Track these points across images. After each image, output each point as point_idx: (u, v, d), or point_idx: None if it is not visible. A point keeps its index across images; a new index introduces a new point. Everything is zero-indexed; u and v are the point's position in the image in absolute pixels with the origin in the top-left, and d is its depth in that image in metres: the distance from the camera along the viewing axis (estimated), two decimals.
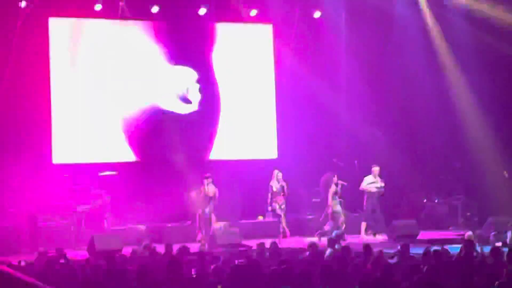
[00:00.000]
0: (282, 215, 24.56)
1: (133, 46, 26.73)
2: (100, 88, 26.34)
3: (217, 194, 23.84)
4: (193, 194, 23.88)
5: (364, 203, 24.90)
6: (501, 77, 26.25)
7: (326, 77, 28.24)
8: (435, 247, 17.39)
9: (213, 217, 23.78)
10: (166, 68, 27.15)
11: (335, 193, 24.47)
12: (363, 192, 24.88)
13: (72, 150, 25.95)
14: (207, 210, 23.64)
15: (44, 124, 25.19)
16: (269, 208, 24.87)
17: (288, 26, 28.14)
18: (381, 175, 24.82)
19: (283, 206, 24.51)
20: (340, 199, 24.53)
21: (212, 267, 14.42)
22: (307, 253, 16.75)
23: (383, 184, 24.68)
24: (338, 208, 24.43)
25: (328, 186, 24.74)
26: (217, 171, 25.10)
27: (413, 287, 11.24)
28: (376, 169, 24.83)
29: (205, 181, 23.76)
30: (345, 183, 24.44)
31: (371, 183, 24.75)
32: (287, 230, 24.65)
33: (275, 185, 24.55)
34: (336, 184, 24.38)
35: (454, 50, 27.40)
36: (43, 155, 25.01)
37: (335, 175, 24.63)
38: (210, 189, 23.72)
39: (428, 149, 26.94)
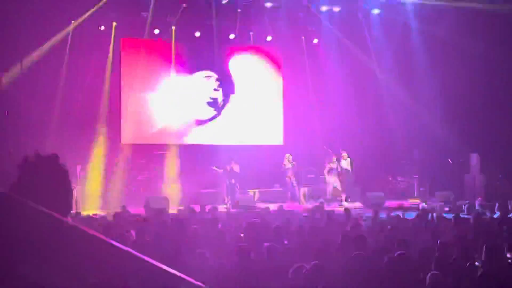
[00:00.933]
0: (296, 187, 24.67)
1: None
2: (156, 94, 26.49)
3: (239, 170, 23.91)
4: (222, 170, 23.94)
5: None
6: (453, 79, 25.96)
7: (323, 83, 28.25)
8: (397, 213, 17.56)
9: (237, 187, 23.85)
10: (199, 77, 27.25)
11: (329, 170, 24.64)
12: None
13: (135, 134, 26.10)
14: (232, 181, 23.75)
15: (116, 115, 25.42)
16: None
17: (295, 47, 28.11)
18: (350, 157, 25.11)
19: (293, 180, 24.58)
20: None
21: (233, 223, 14.69)
22: (305, 214, 16.96)
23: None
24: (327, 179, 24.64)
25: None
26: (238, 154, 25.20)
27: (381, 241, 11.37)
28: (344, 154, 25.08)
29: (232, 161, 23.90)
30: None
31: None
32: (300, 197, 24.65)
33: (287, 164, 24.58)
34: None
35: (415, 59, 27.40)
36: (115, 137, 25.18)
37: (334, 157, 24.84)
38: (235, 167, 23.84)
39: (394, 140, 26.83)
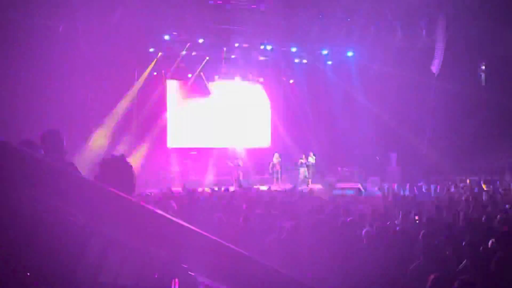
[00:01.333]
0: (279, 175, 24.51)
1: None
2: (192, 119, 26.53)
3: (242, 163, 23.87)
4: (231, 163, 23.93)
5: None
6: (378, 102, 25.99)
7: (294, 109, 28.33)
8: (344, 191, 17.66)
9: (241, 174, 23.82)
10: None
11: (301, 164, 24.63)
12: None
13: (178, 140, 26.13)
14: (239, 172, 23.76)
15: (163, 129, 25.46)
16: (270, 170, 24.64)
17: (277, 86, 28.17)
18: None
19: (279, 171, 24.50)
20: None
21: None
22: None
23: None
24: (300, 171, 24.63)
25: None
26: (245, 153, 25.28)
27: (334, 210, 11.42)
28: (311, 153, 25.00)
29: (239, 158, 23.91)
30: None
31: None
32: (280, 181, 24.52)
33: (275, 160, 24.48)
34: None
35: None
36: (162, 142, 25.21)
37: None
38: (240, 162, 23.83)
39: (343, 143, 26.78)
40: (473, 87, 24.71)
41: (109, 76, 21.56)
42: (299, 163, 24.73)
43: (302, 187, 21.64)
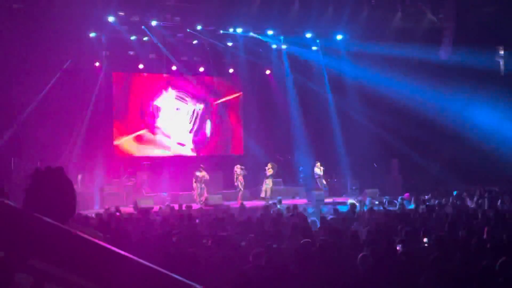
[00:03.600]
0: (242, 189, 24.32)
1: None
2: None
3: (207, 177, 23.69)
4: (195, 175, 23.74)
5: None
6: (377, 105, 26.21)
7: (276, 104, 28.45)
8: (334, 207, 17.71)
9: (205, 189, 23.56)
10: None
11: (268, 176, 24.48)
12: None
13: (127, 148, 25.93)
14: (203, 185, 23.55)
15: (110, 134, 25.25)
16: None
17: (251, 78, 28.23)
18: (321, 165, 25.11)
19: (242, 183, 24.27)
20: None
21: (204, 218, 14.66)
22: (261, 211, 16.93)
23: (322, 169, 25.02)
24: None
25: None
26: (208, 162, 25.22)
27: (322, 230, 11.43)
28: (318, 163, 25.12)
29: (201, 168, 23.74)
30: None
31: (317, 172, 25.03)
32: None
33: (238, 171, 24.25)
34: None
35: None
36: (108, 152, 24.99)
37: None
38: (204, 173, 23.65)
39: (332, 150, 26.92)
40: (490, 76, 25.05)
41: (35, 68, 21.29)
42: (267, 174, 24.56)
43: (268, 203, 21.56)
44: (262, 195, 24.05)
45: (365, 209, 17.54)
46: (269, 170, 24.23)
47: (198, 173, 23.29)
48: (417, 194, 20.22)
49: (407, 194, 21.65)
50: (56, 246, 1.81)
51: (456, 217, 13.13)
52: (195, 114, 27.49)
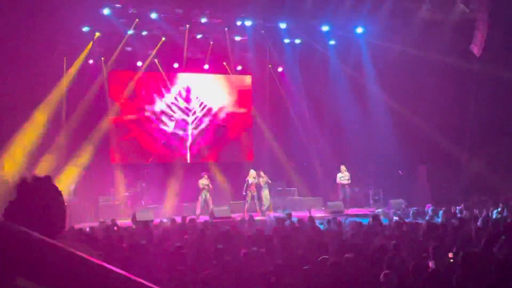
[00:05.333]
0: (255, 200, 24.10)
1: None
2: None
3: (211, 185, 23.72)
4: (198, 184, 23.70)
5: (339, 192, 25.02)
6: (401, 99, 26.13)
7: (285, 106, 28.44)
8: (354, 219, 17.64)
9: (211, 199, 23.53)
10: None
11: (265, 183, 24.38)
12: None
13: (125, 153, 26.00)
14: (208, 195, 23.55)
15: (106, 138, 25.30)
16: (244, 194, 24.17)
17: (261, 76, 28.21)
18: (347, 170, 24.97)
19: (255, 193, 24.17)
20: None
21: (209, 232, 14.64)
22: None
23: (348, 175, 24.87)
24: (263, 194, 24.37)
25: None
26: (215, 169, 25.26)
27: (338, 246, 11.37)
28: (342, 167, 25.01)
29: (205, 176, 23.72)
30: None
31: (341, 177, 24.94)
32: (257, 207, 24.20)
33: (251, 179, 24.18)
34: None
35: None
36: (105, 158, 25.02)
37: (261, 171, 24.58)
38: (209, 182, 23.64)
39: (351, 155, 26.84)
40: None
41: (24, 66, 21.35)
42: (265, 182, 24.53)
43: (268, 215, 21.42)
44: (263, 207, 24.00)
45: (387, 221, 17.51)
46: (265, 178, 24.32)
47: (201, 182, 23.29)
48: (448, 205, 20.11)
49: (429, 205, 21.56)
50: (45, 264, 1.80)
51: (494, 231, 13.00)
52: (199, 116, 27.48)
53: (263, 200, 24.09)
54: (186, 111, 27.26)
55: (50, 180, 2.97)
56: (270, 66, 28.53)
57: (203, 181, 23.36)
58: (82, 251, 1.90)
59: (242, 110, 28.46)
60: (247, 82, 28.63)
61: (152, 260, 9.91)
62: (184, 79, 27.33)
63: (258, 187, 24.13)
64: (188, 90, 27.34)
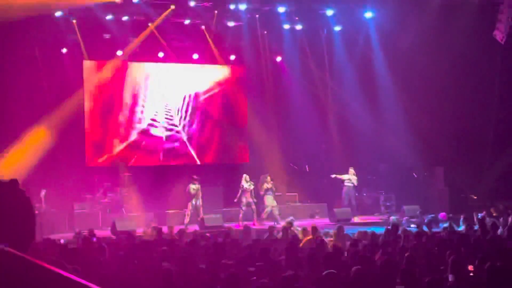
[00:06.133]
0: (254, 206, 24.21)
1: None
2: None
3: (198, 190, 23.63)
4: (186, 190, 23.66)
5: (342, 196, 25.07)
6: (416, 92, 26.12)
7: (284, 101, 28.40)
8: (363, 228, 17.63)
9: (201, 207, 23.45)
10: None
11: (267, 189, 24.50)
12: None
13: (103, 154, 25.96)
14: (198, 202, 23.53)
15: (80, 139, 25.23)
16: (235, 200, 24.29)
17: (257, 66, 28.16)
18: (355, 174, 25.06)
19: (252, 199, 24.14)
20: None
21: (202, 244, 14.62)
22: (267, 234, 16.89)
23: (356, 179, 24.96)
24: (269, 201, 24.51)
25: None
26: (207, 173, 25.27)
27: (351, 259, 11.37)
28: (351, 170, 25.07)
29: (194, 181, 23.68)
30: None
31: (347, 179, 24.97)
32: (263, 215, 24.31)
33: (245, 184, 24.15)
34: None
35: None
36: (79, 159, 24.95)
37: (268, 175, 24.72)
38: (199, 187, 23.62)
39: (359, 154, 26.85)
40: None
41: None
42: (263, 188, 24.62)
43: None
44: (265, 215, 24.05)
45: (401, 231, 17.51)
46: (269, 184, 24.33)
47: (192, 187, 23.28)
48: (468, 212, 20.13)
49: (443, 214, 21.58)
50: (15, 281, 1.87)
51: None
52: (188, 112, 27.44)
53: (266, 207, 24.25)
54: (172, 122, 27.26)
55: (15, 184, 2.94)
56: (267, 55, 28.40)
57: (195, 186, 23.36)
58: (55, 266, 1.88)
59: (236, 106, 28.40)
60: (241, 73, 28.57)
61: (134, 276, 9.88)
62: (169, 70, 27.27)
63: (256, 193, 24.22)
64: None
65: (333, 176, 25.00)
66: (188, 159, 27.19)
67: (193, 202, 23.21)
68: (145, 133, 26.61)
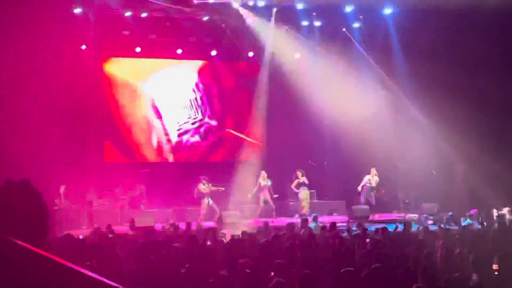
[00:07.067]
0: (272, 204, 24.28)
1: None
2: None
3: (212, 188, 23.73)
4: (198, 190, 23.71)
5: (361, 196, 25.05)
6: (436, 86, 25.97)
7: (307, 95, 28.19)
8: (382, 226, 17.59)
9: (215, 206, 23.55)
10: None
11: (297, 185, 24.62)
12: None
13: (122, 151, 26.03)
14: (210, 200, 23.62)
15: (99, 134, 25.32)
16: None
17: (276, 62, 28.03)
18: (377, 174, 24.98)
19: (269, 197, 24.27)
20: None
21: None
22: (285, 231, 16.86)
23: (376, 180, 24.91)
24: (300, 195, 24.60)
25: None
26: (223, 170, 25.31)
27: (365, 256, 11.35)
28: (373, 170, 25.03)
29: (203, 181, 23.74)
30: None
31: (368, 180, 24.93)
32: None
33: (262, 182, 24.30)
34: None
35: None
36: (97, 156, 25.04)
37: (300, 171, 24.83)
38: (208, 187, 23.68)
39: (379, 154, 26.72)
40: None
41: (5, 53, 21.38)
42: (295, 185, 24.57)
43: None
44: (304, 210, 24.03)
45: (415, 228, 17.48)
46: (303, 178, 24.28)
47: (202, 187, 23.29)
48: (488, 209, 19.99)
49: (475, 210, 21.42)
50: (28, 275, 1.86)
51: None
52: (204, 108, 27.44)
53: (301, 202, 24.51)
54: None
55: (26, 184, 2.95)
56: (297, 55, 28.25)
57: (203, 187, 23.43)
58: (70, 261, 1.88)
59: (252, 103, 28.36)
60: (259, 69, 28.47)
61: (151, 271, 9.89)
62: (188, 66, 27.28)
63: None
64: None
65: (360, 188, 24.91)
66: (204, 155, 27.29)
67: (206, 200, 23.23)
68: (163, 130, 26.71)
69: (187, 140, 27.22)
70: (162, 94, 27.02)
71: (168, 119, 26.94)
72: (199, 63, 27.71)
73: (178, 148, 27.09)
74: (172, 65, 27.32)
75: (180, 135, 27.08)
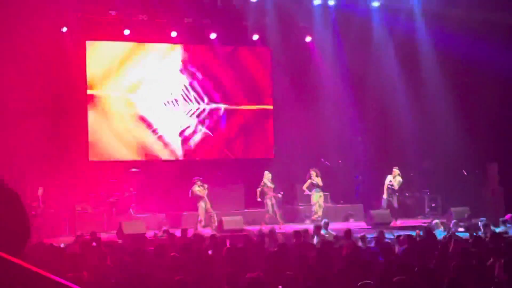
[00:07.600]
0: (276, 208, 24.18)
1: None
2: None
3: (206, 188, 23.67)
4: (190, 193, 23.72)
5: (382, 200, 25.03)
6: (467, 78, 25.97)
7: (317, 86, 28.28)
8: (404, 233, 17.58)
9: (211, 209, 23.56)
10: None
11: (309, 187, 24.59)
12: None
13: (104, 149, 26.03)
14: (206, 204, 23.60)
15: (82, 129, 25.30)
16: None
17: (284, 48, 28.05)
18: (400, 174, 24.86)
19: (274, 201, 24.17)
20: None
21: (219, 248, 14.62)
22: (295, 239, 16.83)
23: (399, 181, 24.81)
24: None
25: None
26: (224, 169, 25.31)
27: (387, 267, 11.35)
28: (395, 170, 24.95)
29: (199, 182, 23.72)
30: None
31: (390, 182, 24.86)
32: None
33: (267, 183, 24.20)
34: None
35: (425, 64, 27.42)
36: (80, 154, 25.03)
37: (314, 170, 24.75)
38: (204, 189, 23.70)
39: (400, 149, 26.76)
40: None
41: None
42: (307, 186, 24.58)
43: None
44: (316, 215, 24.05)
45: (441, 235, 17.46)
46: (317, 179, 24.27)
47: (197, 189, 23.31)
48: None
49: (509, 215, 21.41)
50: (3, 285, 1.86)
51: None
52: (203, 99, 27.44)
53: (313, 206, 24.38)
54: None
55: (3, 183, 2.94)
56: (295, 35, 28.30)
57: (198, 188, 23.43)
58: (49, 272, 1.89)
59: (259, 92, 28.40)
60: (265, 55, 28.53)
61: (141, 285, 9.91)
62: (183, 51, 27.33)
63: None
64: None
65: (385, 196, 24.85)
66: (203, 153, 27.34)
67: (203, 204, 23.20)
68: (154, 123, 26.75)
69: (190, 136, 27.20)
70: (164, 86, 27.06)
71: (157, 111, 26.92)
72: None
73: (174, 144, 27.08)
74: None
75: (181, 133, 27.08)
